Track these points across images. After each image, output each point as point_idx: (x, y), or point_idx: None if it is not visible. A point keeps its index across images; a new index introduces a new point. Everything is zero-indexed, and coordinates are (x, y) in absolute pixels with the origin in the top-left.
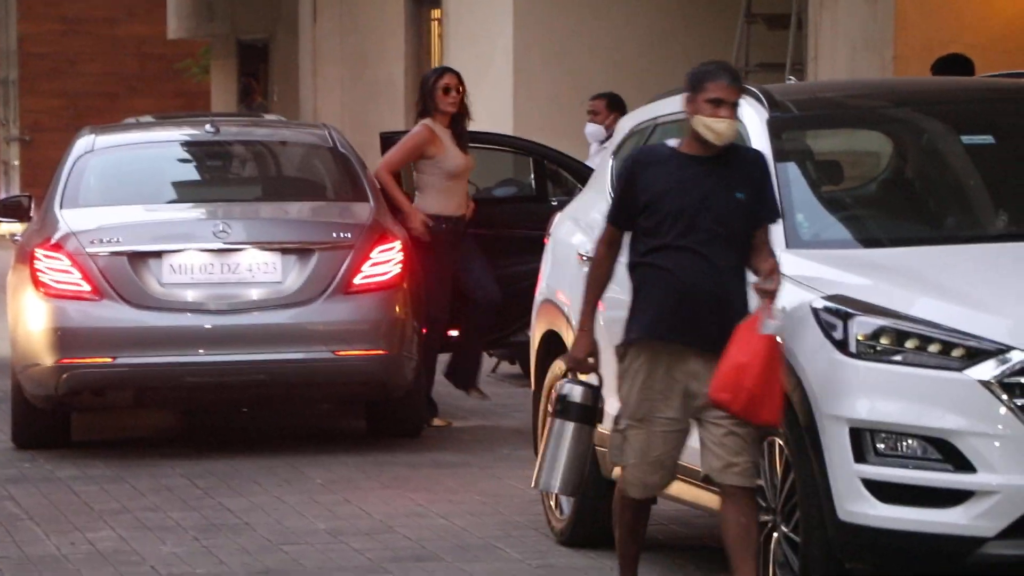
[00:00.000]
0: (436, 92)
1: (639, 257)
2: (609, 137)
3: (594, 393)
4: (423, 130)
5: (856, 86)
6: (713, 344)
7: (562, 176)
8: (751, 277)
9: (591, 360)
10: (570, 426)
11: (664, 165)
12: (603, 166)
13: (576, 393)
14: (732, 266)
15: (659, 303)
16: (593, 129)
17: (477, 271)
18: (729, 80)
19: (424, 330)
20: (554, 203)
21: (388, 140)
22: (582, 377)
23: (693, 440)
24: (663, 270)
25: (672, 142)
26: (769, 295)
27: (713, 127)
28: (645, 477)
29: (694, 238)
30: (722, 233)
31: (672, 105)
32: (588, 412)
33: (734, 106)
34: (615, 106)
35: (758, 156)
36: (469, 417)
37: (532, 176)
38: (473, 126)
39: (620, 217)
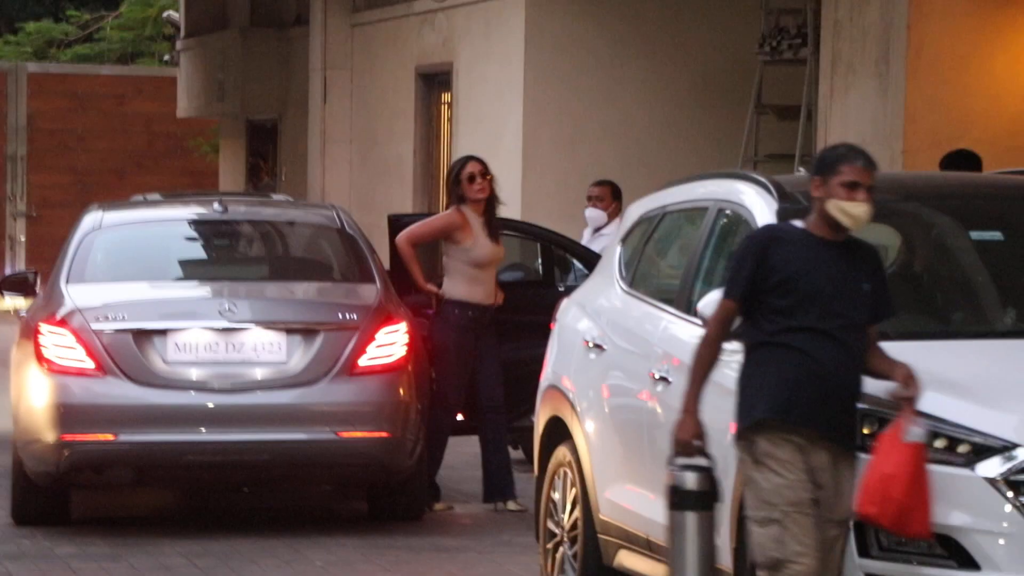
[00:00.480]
0: (462, 181)
1: (768, 335)
2: (607, 224)
3: (708, 475)
4: (453, 214)
5: None
6: (841, 436)
7: (569, 261)
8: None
9: (698, 443)
10: (690, 516)
11: (797, 244)
12: (610, 253)
13: (690, 480)
14: (861, 356)
15: (793, 385)
16: (595, 214)
17: (489, 371)
18: (864, 163)
19: (424, 412)
20: (561, 289)
21: (396, 222)
22: (690, 461)
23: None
24: (799, 352)
25: (798, 222)
26: (909, 402)
27: (850, 212)
28: (814, 564)
29: (832, 323)
30: (853, 321)
31: (681, 194)
32: (706, 497)
33: (870, 189)
34: (617, 195)
35: (876, 250)
36: (471, 501)
37: (539, 261)
38: None
39: (744, 293)
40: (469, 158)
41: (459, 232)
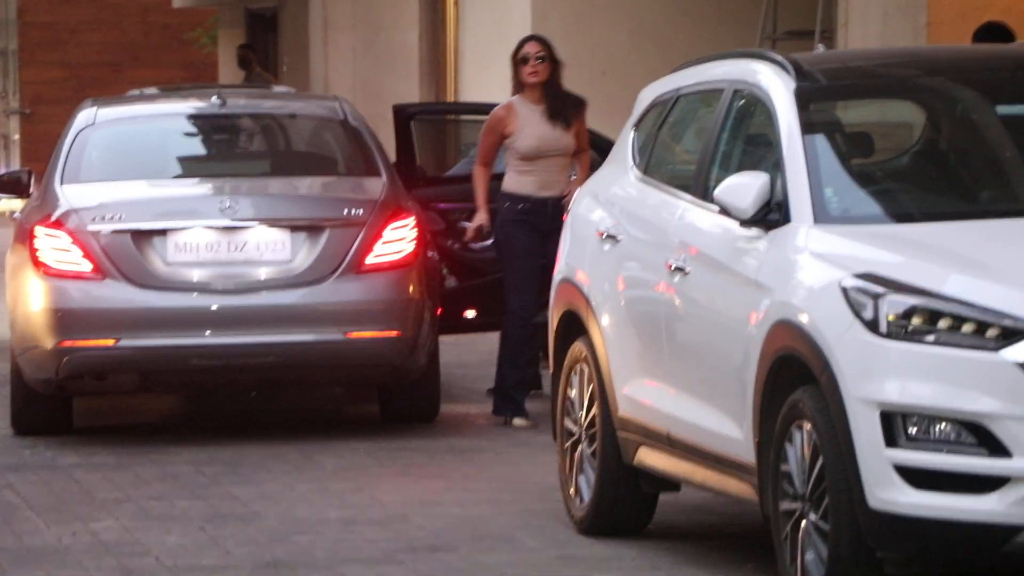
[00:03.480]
0: (515, 63)
1: None
2: None
3: None
4: (496, 111)
5: (888, 54)
6: None
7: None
8: None
9: None
10: None
11: None
12: (623, 139)
13: None
14: None
15: None
16: None
17: (531, 276)
18: None
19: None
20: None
21: (400, 112)
22: None
23: (720, 424)
24: None
25: None
26: None
27: None
28: None
29: None
30: None
31: (695, 75)
32: None
33: None
34: None
35: None
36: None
37: None
38: (492, 97)
39: None
40: (528, 38)
41: (503, 126)
